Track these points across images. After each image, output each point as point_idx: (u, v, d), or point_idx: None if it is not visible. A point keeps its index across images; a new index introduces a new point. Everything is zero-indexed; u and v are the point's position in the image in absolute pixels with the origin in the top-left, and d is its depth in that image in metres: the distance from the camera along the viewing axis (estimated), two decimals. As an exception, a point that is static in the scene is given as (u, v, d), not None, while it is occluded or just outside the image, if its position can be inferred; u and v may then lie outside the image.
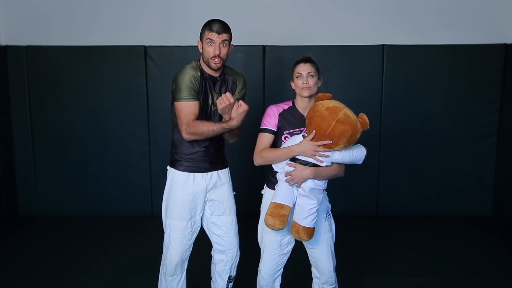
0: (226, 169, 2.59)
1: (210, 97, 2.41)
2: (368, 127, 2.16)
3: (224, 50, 2.35)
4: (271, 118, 2.29)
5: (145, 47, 4.18)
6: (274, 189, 2.31)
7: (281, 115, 2.30)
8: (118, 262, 3.46)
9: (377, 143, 4.34)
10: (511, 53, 4.14)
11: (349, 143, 2.14)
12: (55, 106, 4.31)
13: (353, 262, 3.44)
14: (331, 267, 2.38)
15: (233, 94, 2.45)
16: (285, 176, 2.20)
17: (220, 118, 2.42)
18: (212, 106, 2.42)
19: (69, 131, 4.34)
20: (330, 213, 2.40)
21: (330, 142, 2.10)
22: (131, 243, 3.83)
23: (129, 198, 4.41)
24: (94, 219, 4.35)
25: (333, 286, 2.44)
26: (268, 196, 2.35)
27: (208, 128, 2.32)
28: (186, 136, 2.35)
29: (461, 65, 4.23)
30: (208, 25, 2.36)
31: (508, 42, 4.22)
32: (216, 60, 2.33)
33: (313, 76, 2.26)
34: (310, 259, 2.44)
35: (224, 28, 2.35)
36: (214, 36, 2.32)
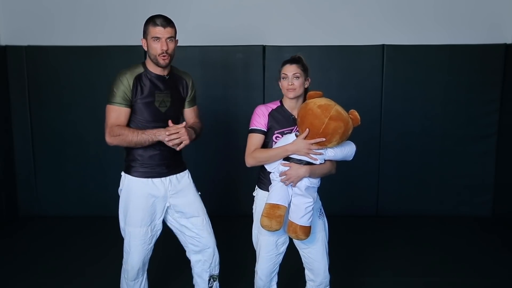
0: (185, 171, 2.52)
1: (156, 97, 2.33)
2: (360, 123, 2.15)
3: (171, 46, 2.30)
4: (260, 118, 2.27)
5: (145, 47, 4.18)
6: (266, 190, 2.30)
7: (270, 114, 2.28)
8: (118, 262, 3.44)
9: (377, 143, 4.35)
10: (511, 53, 4.15)
11: (342, 140, 2.15)
12: (55, 106, 4.31)
13: (352, 262, 3.44)
14: (326, 267, 2.37)
15: (186, 95, 2.46)
16: (280, 176, 2.19)
17: (172, 118, 2.33)
18: (161, 107, 2.35)
19: (70, 131, 4.34)
20: (323, 211, 2.40)
21: (324, 139, 2.10)
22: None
23: (129, 198, 4.40)
24: (94, 219, 4.34)
25: (327, 287, 2.42)
26: (261, 197, 2.34)
27: (134, 135, 2.25)
28: (108, 139, 2.30)
29: (461, 65, 4.23)
30: (152, 21, 2.28)
31: (508, 42, 4.22)
32: (164, 56, 2.27)
33: (298, 77, 2.23)
34: (303, 261, 2.41)
35: (168, 22, 2.28)
36: (159, 31, 2.25)
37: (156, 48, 2.26)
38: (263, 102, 4.14)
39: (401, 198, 4.44)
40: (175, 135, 2.23)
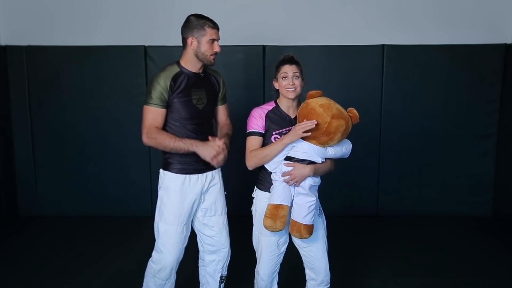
0: (219, 168, 2.57)
1: (192, 94, 2.39)
2: (359, 120, 2.17)
3: None
4: (257, 120, 2.28)
5: (145, 47, 4.18)
6: (266, 190, 2.30)
7: (267, 116, 2.29)
8: (118, 262, 3.46)
9: (377, 143, 4.34)
10: (511, 53, 4.15)
11: (343, 138, 2.18)
12: (55, 106, 4.31)
13: (352, 261, 3.44)
14: (327, 265, 2.37)
15: (218, 92, 2.53)
16: (282, 176, 2.19)
17: (208, 116, 2.43)
18: (198, 104, 2.41)
19: (69, 131, 4.34)
20: (321, 209, 2.41)
21: (315, 122, 2.06)
22: (131, 243, 3.83)
23: (129, 198, 4.41)
24: (94, 219, 4.35)
25: (328, 286, 2.42)
26: (261, 198, 2.34)
27: (171, 141, 2.32)
28: (145, 140, 2.38)
29: (461, 65, 4.23)
30: (207, 23, 2.38)
31: (508, 42, 4.22)
32: (214, 56, 2.40)
33: (298, 77, 2.25)
34: (304, 260, 2.42)
35: None
36: (216, 33, 2.39)
37: (211, 49, 2.37)
38: (263, 102, 4.12)
39: (401, 198, 4.44)
40: (217, 152, 2.31)
